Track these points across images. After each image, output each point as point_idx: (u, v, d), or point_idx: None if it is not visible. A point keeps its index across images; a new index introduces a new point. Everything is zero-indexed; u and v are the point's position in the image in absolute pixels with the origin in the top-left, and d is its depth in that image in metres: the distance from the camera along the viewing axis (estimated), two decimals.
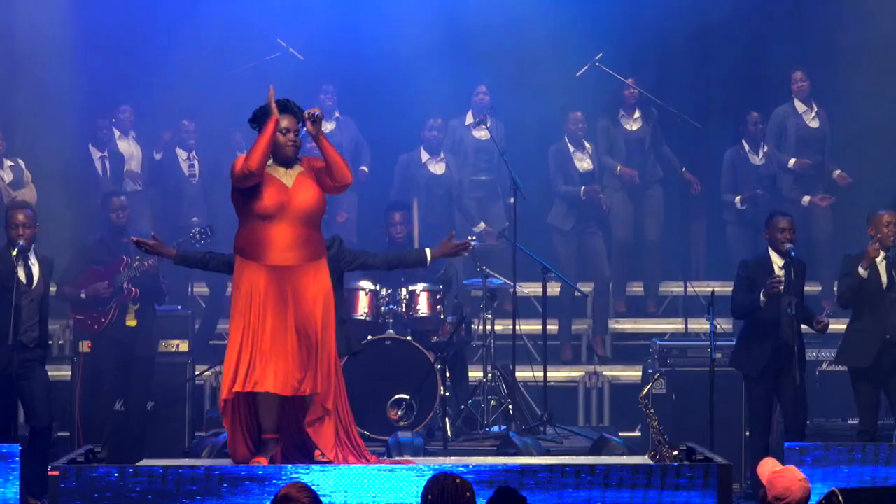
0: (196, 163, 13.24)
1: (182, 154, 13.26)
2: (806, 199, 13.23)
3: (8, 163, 12.68)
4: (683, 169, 13.40)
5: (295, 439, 8.55)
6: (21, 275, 10.14)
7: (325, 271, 8.45)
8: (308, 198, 8.33)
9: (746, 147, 13.22)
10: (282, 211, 8.28)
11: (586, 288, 13.35)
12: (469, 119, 13.59)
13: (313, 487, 6.10)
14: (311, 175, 8.40)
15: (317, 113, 8.36)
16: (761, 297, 10.30)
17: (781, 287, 10.24)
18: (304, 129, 8.40)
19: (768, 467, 6.69)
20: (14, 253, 10.09)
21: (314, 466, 8.17)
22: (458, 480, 5.98)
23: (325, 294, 8.41)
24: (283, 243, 8.27)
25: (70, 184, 12.89)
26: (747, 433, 11.01)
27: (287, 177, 8.37)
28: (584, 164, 13.28)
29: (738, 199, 13.16)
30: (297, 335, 8.28)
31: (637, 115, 13.64)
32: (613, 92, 13.58)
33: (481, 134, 13.37)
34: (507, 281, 11.86)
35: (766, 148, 13.25)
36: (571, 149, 13.28)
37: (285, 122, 8.38)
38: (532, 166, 13.43)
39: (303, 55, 13.84)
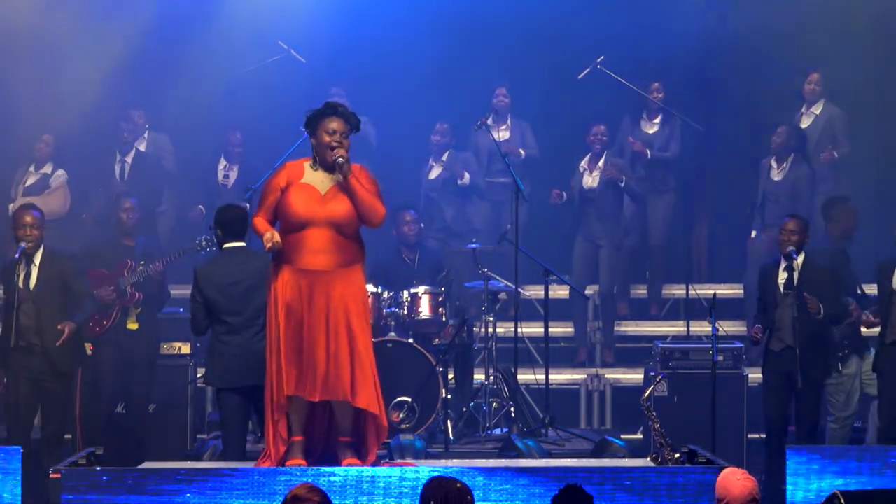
0: (231, 174, 13.25)
1: (222, 163, 13.28)
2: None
3: (46, 168, 12.72)
4: (630, 139, 13.36)
5: (325, 443, 8.57)
6: (21, 278, 10.12)
7: (360, 277, 8.49)
8: (341, 207, 8.37)
9: (773, 160, 13.14)
10: (313, 218, 8.32)
11: (591, 290, 13.36)
12: (490, 121, 13.53)
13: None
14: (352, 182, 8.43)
15: (340, 160, 8.35)
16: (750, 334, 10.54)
17: (759, 339, 10.44)
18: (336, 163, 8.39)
19: (721, 475, 6.75)
20: (17, 256, 10.07)
21: (315, 468, 8.17)
22: (458, 485, 5.96)
23: (359, 300, 8.44)
24: (315, 247, 8.32)
25: (94, 189, 12.96)
26: (749, 436, 11.01)
27: (323, 183, 8.41)
28: (589, 180, 13.21)
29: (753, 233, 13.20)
30: (327, 340, 8.30)
31: (658, 119, 13.64)
32: (619, 95, 13.58)
33: (498, 136, 13.36)
34: (508, 284, 11.86)
35: (787, 163, 13.14)
36: (584, 164, 13.25)
37: (334, 125, 8.39)
38: (534, 169, 13.45)
39: (304, 57, 13.85)
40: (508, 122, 13.58)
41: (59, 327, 10.12)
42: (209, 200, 13.12)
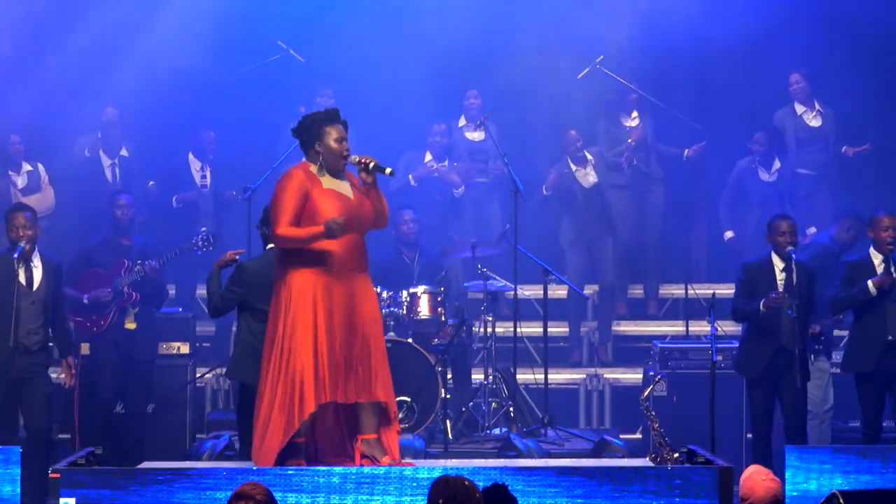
0: (208, 173, 13.21)
1: (196, 164, 13.24)
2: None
3: (27, 167, 12.69)
4: (686, 151, 13.41)
5: (340, 444, 8.61)
6: (21, 277, 10.10)
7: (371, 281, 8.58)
8: (369, 210, 8.47)
9: (755, 162, 13.16)
10: (349, 222, 8.31)
11: (591, 290, 13.36)
12: (462, 122, 13.61)
13: (315, 489, 6.11)
14: (359, 187, 8.49)
15: (370, 163, 8.37)
16: (760, 308, 10.32)
17: (781, 302, 10.26)
18: (358, 171, 8.43)
19: (747, 472, 6.79)
20: (16, 255, 10.04)
21: (315, 468, 8.16)
22: (466, 482, 5.98)
23: (376, 303, 8.60)
24: (349, 252, 8.37)
25: (80, 190, 12.91)
26: (749, 436, 11.00)
27: (344, 188, 8.43)
28: (589, 178, 13.23)
29: (729, 233, 13.20)
30: (364, 342, 8.35)
31: (634, 114, 13.68)
32: (613, 94, 13.59)
33: (474, 136, 13.36)
34: (507, 283, 11.85)
35: (778, 164, 13.16)
36: (574, 167, 13.25)
37: (340, 132, 8.43)
38: (532, 169, 13.44)
39: (303, 57, 13.84)
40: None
41: (64, 365, 10.28)
42: (192, 203, 13.07)
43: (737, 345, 11.10)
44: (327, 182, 8.40)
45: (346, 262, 8.35)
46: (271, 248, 9.27)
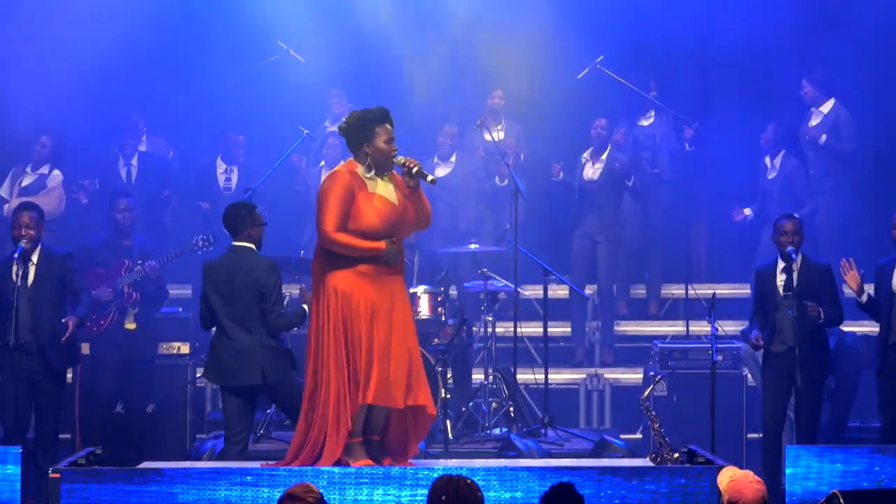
0: (234, 175, 13.23)
1: (221, 166, 13.25)
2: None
3: (42, 170, 12.65)
4: (686, 130, 13.36)
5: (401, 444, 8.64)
6: (18, 277, 10.06)
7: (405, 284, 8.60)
8: (411, 215, 8.44)
9: (767, 158, 13.16)
10: (394, 230, 8.33)
11: (591, 289, 13.37)
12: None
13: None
14: (401, 189, 8.46)
15: (414, 167, 8.34)
16: (752, 341, 10.47)
17: (758, 346, 10.39)
18: (404, 175, 8.39)
19: (727, 475, 6.82)
20: (16, 256, 10.02)
21: (317, 469, 8.17)
22: (468, 481, 6.01)
23: (410, 306, 8.60)
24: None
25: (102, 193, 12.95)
26: (749, 436, 11.02)
27: (389, 192, 8.37)
28: (590, 172, 13.22)
29: (746, 210, 13.22)
30: (406, 342, 8.34)
31: (651, 113, 13.70)
32: (616, 94, 13.60)
33: (494, 136, 13.37)
34: (508, 283, 11.85)
35: (777, 160, 13.13)
36: (586, 156, 13.26)
37: (387, 134, 8.35)
38: (534, 169, 13.44)
39: (303, 57, 13.84)
40: (503, 123, 13.60)
41: (63, 321, 10.07)
42: (213, 204, 13.10)
43: (737, 344, 11.15)
44: (372, 185, 8.33)
45: (394, 266, 8.36)
46: (233, 246, 9.28)
